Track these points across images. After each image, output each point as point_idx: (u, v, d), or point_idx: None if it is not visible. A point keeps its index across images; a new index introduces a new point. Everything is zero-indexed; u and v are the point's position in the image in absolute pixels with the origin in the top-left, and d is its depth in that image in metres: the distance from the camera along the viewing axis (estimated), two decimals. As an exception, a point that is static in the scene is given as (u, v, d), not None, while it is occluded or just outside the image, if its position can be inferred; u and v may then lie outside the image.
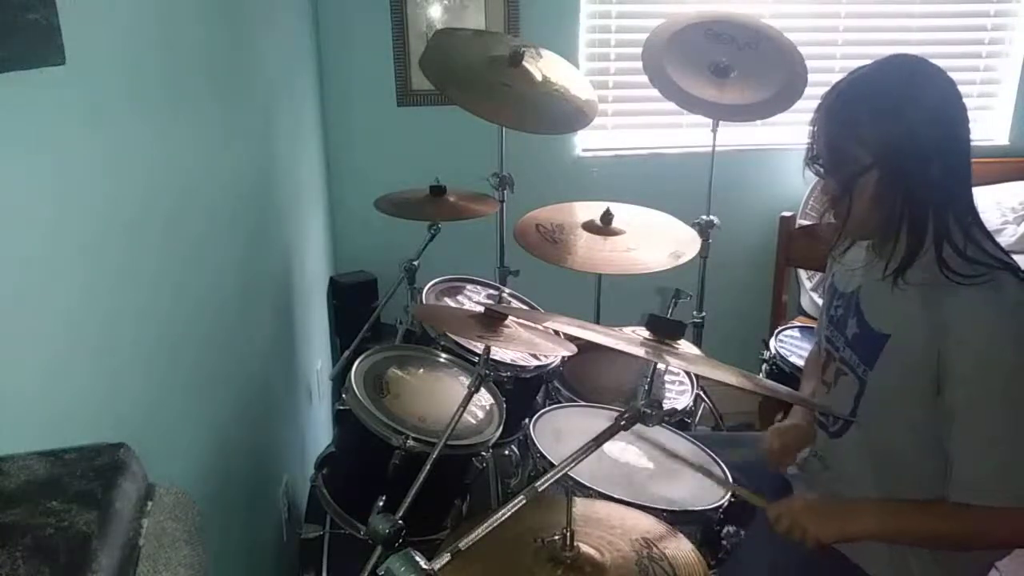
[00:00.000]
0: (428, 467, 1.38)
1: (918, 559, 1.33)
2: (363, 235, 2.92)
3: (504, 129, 2.32)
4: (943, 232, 1.22)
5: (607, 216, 2.03)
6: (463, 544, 0.89)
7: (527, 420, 1.63)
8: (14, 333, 0.71)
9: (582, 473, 1.37)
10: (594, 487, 1.37)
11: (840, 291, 1.43)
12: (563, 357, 1.92)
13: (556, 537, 1.13)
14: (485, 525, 0.91)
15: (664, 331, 1.16)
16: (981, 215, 1.28)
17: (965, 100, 1.23)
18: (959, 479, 1.20)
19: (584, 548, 1.14)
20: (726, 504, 1.41)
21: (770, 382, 1.08)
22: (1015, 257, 1.28)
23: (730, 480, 1.43)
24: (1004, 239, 2.77)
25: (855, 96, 1.24)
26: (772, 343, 2.16)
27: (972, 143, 1.25)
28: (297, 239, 2.26)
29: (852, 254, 1.43)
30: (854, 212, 1.26)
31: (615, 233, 2.02)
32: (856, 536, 1.29)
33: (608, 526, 1.23)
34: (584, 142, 2.98)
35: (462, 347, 1.85)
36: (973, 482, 1.19)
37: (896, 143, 1.19)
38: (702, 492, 1.45)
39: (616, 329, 1.41)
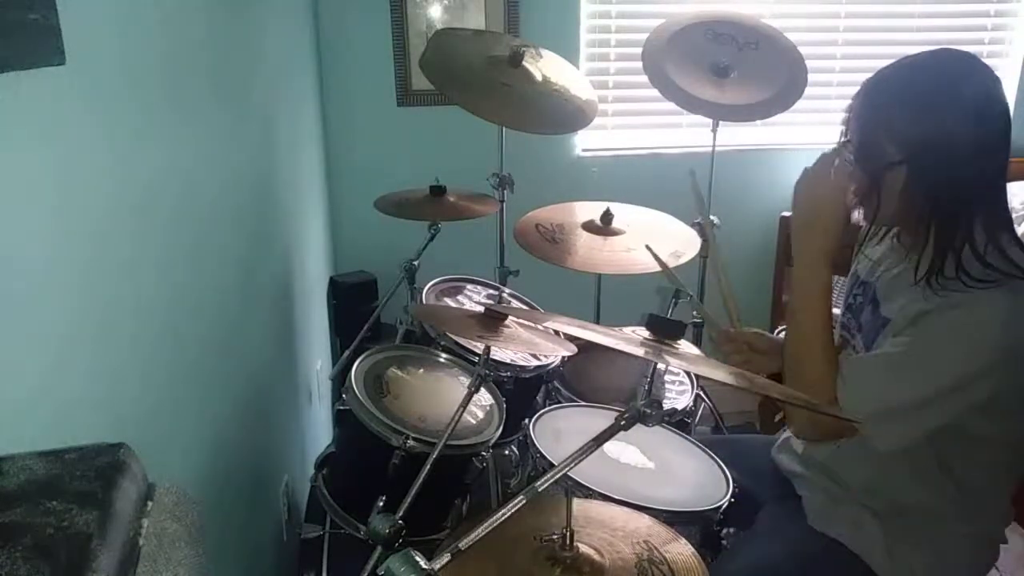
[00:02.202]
0: (428, 467, 1.38)
1: (918, 554, 1.33)
2: (363, 235, 2.92)
3: (504, 129, 2.31)
4: (967, 235, 1.20)
5: (607, 216, 2.03)
6: (463, 544, 0.88)
7: (527, 420, 1.63)
8: (14, 333, 0.71)
9: (582, 473, 1.37)
10: (594, 488, 1.37)
11: (862, 279, 1.42)
12: (563, 357, 1.92)
13: (555, 537, 1.13)
14: (485, 525, 0.91)
15: (664, 331, 1.16)
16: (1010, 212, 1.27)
17: None
18: (847, 375, 1.26)
19: (584, 548, 1.14)
20: (726, 505, 1.41)
21: (770, 382, 1.08)
22: (1015, 257, 1.27)
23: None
24: (1004, 239, 2.75)
25: (896, 89, 1.22)
26: (772, 343, 2.15)
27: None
28: (297, 239, 2.26)
29: (877, 244, 1.43)
30: (882, 205, 1.25)
31: (615, 233, 2.02)
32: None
33: (608, 527, 1.23)
34: (584, 142, 2.98)
35: (462, 347, 1.85)
36: (856, 387, 1.25)
37: (930, 142, 1.17)
38: (702, 493, 1.45)
39: (616, 329, 1.40)
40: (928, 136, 1.18)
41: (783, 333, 2.20)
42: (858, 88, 1.27)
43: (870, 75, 1.26)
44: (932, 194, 1.20)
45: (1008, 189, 3.15)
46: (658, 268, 1.60)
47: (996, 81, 1.21)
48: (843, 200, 1.27)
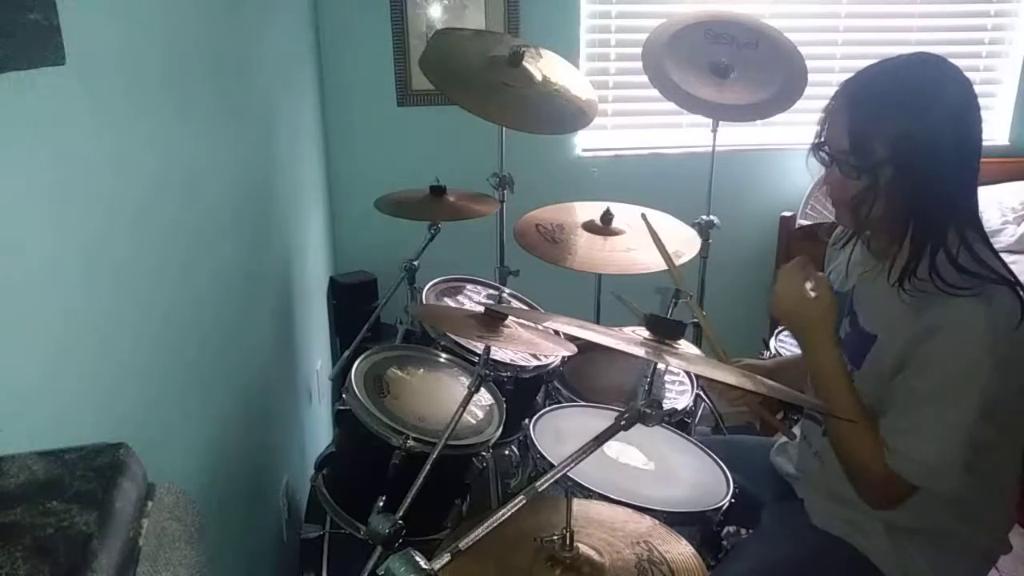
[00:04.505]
0: (428, 467, 1.38)
1: (922, 553, 1.34)
2: (363, 235, 2.92)
3: (504, 129, 2.32)
4: (940, 237, 1.21)
5: (607, 216, 2.03)
6: (463, 544, 0.88)
7: (527, 420, 1.63)
8: (14, 333, 0.71)
9: (582, 474, 1.37)
10: (594, 488, 1.37)
11: (834, 290, 1.42)
12: (563, 357, 1.92)
13: (555, 537, 1.13)
14: (485, 525, 0.91)
15: (664, 331, 1.16)
16: (980, 215, 1.28)
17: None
18: (893, 448, 1.23)
19: (583, 549, 1.14)
20: (726, 505, 1.41)
21: (770, 382, 1.08)
22: (1015, 257, 1.28)
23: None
24: (1004, 239, 2.77)
25: (880, 90, 1.22)
26: (772, 343, 2.16)
27: None
28: (297, 239, 2.26)
29: (847, 251, 1.43)
30: (871, 207, 1.24)
31: (615, 233, 2.02)
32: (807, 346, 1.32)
33: (608, 527, 1.23)
34: (584, 142, 2.98)
35: (462, 347, 1.85)
36: (905, 460, 1.22)
37: (914, 142, 1.18)
38: (702, 493, 1.45)
39: (616, 329, 1.40)
40: (912, 136, 1.18)
41: (781, 334, 2.20)
42: (836, 89, 1.27)
43: (848, 76, 1.27)
44: (914, 195, 1.21)
45: (1009, 189, 3.15)
46: (654, 269, 1.60)
47: (970, 85, 1.22)
48: (825, 312, 1.26)
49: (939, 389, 1.20)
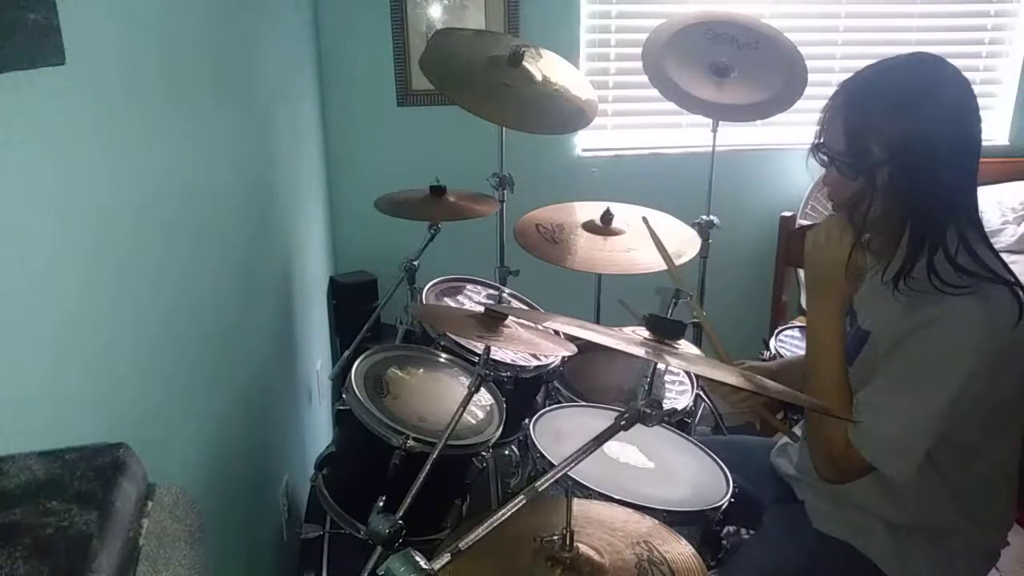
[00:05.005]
0: (428, 467, 1.38)
1: (923, 552, 1.34)
2: (363, 235, 2.92)
3: (504, 129, 2.32)
4: (939, 237, 1.21)
5: (607, 216, 2.03)
6: (463, 544, 0.88)
7: (527, 420, 1.63)
8: (14, 332, 0.71)
9: (582, 473, 1.37)
10: (594, 487, 1.37)
11: None
12: (563, 357, 1.92)
13: (555, 537, 1.13)
14: (485, 525, 0.91)
15: (664, 331, 1.16)
16: (980, 215, 1.28)
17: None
18: (863, 420, 1.24)
19: (583, 548, 1.14)
20: (726, 505, 1.41)
21: (770, 382, 1.08)
22: (1016, 257, 1.28)
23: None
24: (1004, 239, 2.77)
25: (878, 89, 1.22)
26: (772, 343, 2.16)
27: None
28: (297, 239, 2.26)
29: None
30: (870, 207, 1.25)
31: (615, 233, 2.02)
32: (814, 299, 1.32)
33: (608, 527, 1.23)
34: (584, 142, 2.98)
35: (462, 347, 1.85)
36: (866, 434, 1.23)
37: (913, 142, 1.18)
38: (702, 492, 1.45)
39: (616, 329, 1.40)
40: (909, 136, 1.18)
41: (781, 335, 2.20)
42: (835, 89, 1.27)
43: (848, 76, 1.27)
44: (912, 195, 1.21)
45: (1009, 189, 3.14)
46: (654, 269, 1.59)
47: (969, 85, 1.22)
48: (845, 258, 1.26)
49: (919, 377, 1.21)
